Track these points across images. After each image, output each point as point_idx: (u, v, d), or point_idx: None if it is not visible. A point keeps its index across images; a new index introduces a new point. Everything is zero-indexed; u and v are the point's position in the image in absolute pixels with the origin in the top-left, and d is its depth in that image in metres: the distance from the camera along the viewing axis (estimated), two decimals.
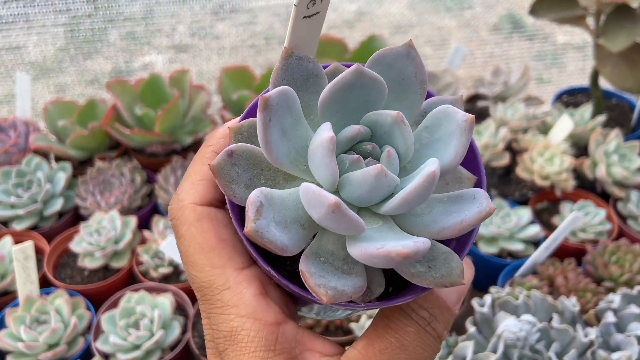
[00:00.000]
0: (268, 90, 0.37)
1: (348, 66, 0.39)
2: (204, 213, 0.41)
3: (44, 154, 1.37)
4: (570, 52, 1.98)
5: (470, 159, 0.43)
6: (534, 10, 1.29)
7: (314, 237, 0.38)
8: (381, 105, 0.38)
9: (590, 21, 1.32)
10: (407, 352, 0.38)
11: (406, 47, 0.38)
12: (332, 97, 0.37)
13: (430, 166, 0.33)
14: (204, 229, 0.40)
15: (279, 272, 0.38)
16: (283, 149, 0.37)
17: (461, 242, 0.41)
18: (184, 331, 1.05)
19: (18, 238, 1.21)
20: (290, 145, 0.37)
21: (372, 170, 0.34)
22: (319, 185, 0.37)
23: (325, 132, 0.35)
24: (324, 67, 0.42)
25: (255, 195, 0.35)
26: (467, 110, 1.53)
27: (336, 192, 0.37)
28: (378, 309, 0.40)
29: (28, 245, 1.02)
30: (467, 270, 0.42)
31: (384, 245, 0.33)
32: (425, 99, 0.42)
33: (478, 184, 0.43)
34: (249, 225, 0.34)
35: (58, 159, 1.39)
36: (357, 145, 0.38)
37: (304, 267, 0.35)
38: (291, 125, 0.37)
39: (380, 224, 0.37)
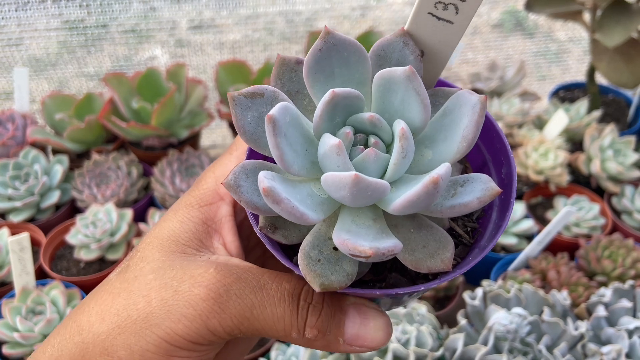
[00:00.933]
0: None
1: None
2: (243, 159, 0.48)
3: (41, 147, 1.37)
4: (573, 49, 1.98)
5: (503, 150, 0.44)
6: (529, 5, 1.29)
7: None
8: (420, 126, 0.38)
9: (587, 16, 1.32)
10: (260, 291, 0.41)
11: (476, 99, 0.38)
12: (380, 82, 0.38)
13: (363, 175, 0.34)
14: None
15: None
16: (323, 85, 0.40)
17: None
18: None
19: (15, 230, 1.21)
20: (334, 84, 0.40)
21: (331, 140, 0.37)
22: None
23: (338, 89, 0.37)
24: (451, 86, 0.44)
25: (265, 86, 0.39)
26: None
27: (315, 142, 0.40)
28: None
29: (24, 237, 1.03)
30: (382, 330, 0.41)
31: (274, 186, 0.35)
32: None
33: (507, 191, 0.43)
34: (234, 93, 0.39)
35: (55, 151, 1.39)
36: (371, 135, 0.39)
37: (246, 163, 0.39)
38: (346, 77, 0.40)
39: (324, 197, 0.39)
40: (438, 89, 0.42)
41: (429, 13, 0.38)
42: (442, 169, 0.34)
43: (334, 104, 0.37)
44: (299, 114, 0.38)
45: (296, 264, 0.38)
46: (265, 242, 0.40)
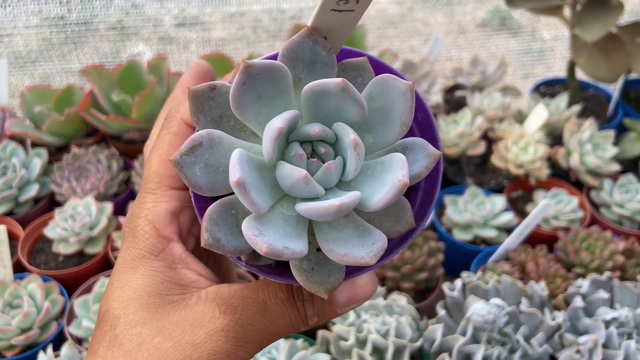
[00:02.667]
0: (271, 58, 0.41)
1: (374, 62, 0.43)
2: (183, 131, 0.47)
3: (20, 140, 1.35)
4: (557, 47, 1.99)
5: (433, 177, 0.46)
6: (510, 0, 1.30)
7: None
8: (358, 121, 0.40)
9: (567, 11, 1.33)
10: (265, 310, 0.43)
11: (405, 87, 0.40)
12: (312, 95, 0.39)
13: (343, 199, 0.36)
14: (174, 143, 0.47)
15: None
16: (254, 109, 0.40)
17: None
18: None
19: None
20: (264, 109, 0.40)
21: (296, 173, 0.38)
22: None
23: (279, 120, 0.38)
24: (353, 54, 0.44)
25: (199, 134, 0.39)
26: (446, 101, 1.54)
27: (272, 170, 0.40)
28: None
29: (1, 230, 1.02)
30: (368, 284, 0.45)
31: (261, 233, 0.37)
32: (377, 74, 0.43)
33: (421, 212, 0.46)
34: (176, 156, 0.38)
35: (34, 145, 1.38)
36: (317, 142, 0.41)
37: (210, 209, 0.40)
38: (271, 95, 0.40)
39: (295, 214, 0.40)
40: (346, 62, 0.44)
41: (331, 10, 0.40)
42: (404, 168, 0.37)
43: (281, 137, 0.38)
44: (248, 154, 0.39)
45: (291, 277, 0.41)
46: (256, 272, 0.43)
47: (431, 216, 1.25)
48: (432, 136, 0.45)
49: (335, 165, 0.39)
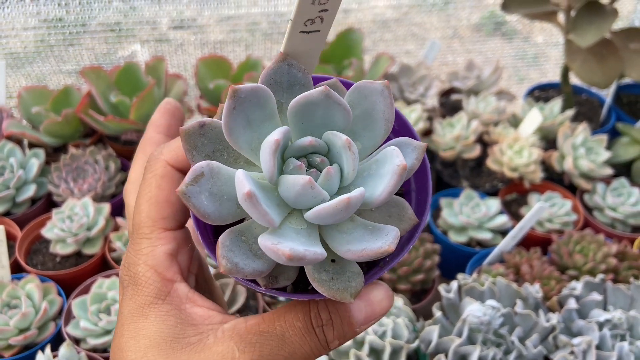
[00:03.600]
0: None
1: (346, 84, 0.45)
2: (169, 173, 0.47)
3: (17, 140, 1.36)
4: (551, 53, 2.01)
5: (423, 179, 0.48)
6: (505, 6, 1.31)
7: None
8: (345, 128, 0.42)
9: (561, 17, 1.35)
10: (284, 343, 0.43)
11: (381, 86, 0.42)
12: (298, 109, 0.41)
13: (352, 193, 0.37)
14: (161, 185, 0.46)
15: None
16: (245, 136, 0.41)
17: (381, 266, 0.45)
18: None
19: None
20: (254, 135, 0.41)
21: (300, 179, 0.38)
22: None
23: (275, 134, 0.39)
24: (324, 79, 0.46)
25: (199, 165, 0.40)
26: (441, 104, 1.55)
27: (275, 187, 0.41)
28: (293, 299, 0.45)
29: None
30: (385, 299, 0.44)
31: (280, 242, 0.37)
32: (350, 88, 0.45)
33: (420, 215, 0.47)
34: (182, 186, 0.39)
35: (32, 145, 1.38)
36: (310, 154, 0.42)
37: (222, 238, 0.40)
38: (260, 119, 0.41)
39: (305, 227, 0.41)
40: (321, 83, 0.45)
41: (301, 32, 0.42)
42: (399, 155, 0.39)
43: (279, 150, 0.39)
44: (251, 174, 0.40)
45: (311, 295, 0.42)
46: (277, 295, 0.44)
47: (427, 218, 1.26)
48: (410, 136, 0.47)
49: (334, 170, 0.41)
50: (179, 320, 0.43)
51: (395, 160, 0.39)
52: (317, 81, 0.47)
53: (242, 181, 0.37)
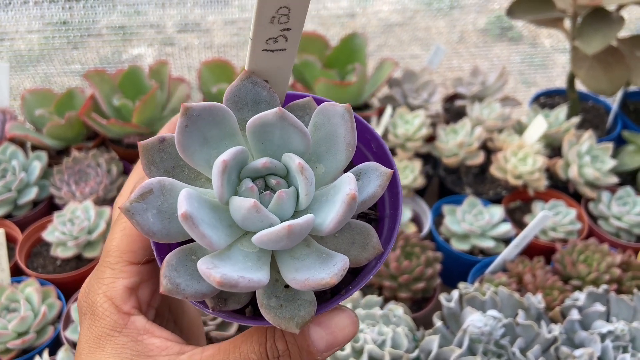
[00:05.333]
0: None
1: (319, 101, 0.44)
2: None
3: (20, 142, 1.36)
4: (558, 58, 2.00)
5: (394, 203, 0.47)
6: (511, 12, 1.30)
7: None
8: (305, 151, 0.41)
9: (567, 23, 1.34)
10: None
11: (342, 109, 0.41)
12: (255, 129, 0.40)
13: (295, 221, 0.36)
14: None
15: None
16: (202, 153, 0.40)
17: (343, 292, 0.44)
18: None
19: None
20: (213, 152, 0.40)
21: (246, 203, 0.38)
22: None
23: (224, 155, 0.38)
24: (299, 97, 0.45)
25: (149, 181, 0.39)
26: (445, 110, 1.54)
27: (227, 209, 0.40)
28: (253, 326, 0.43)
29: None
30: (348, 326, 0.43)
31: (215, 266, 0.36)
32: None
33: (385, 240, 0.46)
34: (126, 204, 0.38)
35: (34, 148, 1.38)
36: (268, 176, 0.42)
37: (168, 257, 0.39)
38: (218, 137, 0.41)
39: (256, 250, 0.40)
40: (293, 104, 0.45)
41: (263, 50, 0.41)
42: (352, 183, 0.38)
43: (228, 170, 0.38)
44: (199, 193, 0.39)
45: (261, 320, 0.40)
46: (223, 317, 0.42)
47: (429, 225, 1.25)
48: (386, 161, 0.46)
49: (287, 194, 0.40)
50: (134, 353, 0.44)
51: (346, 189, 0.38)
52: (291, 99, 0.46)
53: (181, 201, 0.36)
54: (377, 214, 0.49)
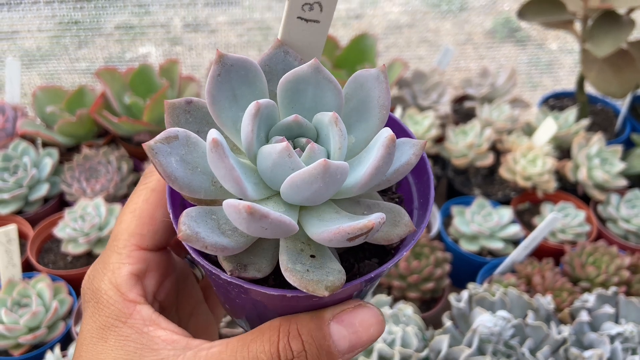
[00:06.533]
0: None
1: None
2: (160, 188, 0.45)
3: (31, 139, 1.37)
4: (565, 59, 2.00)
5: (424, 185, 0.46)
6: (522, 14, 1.31)
7: None
8: (338, 111, 0.39)
9: (578, 26, 1.34)
10: None
11: (377, 71, 0.40)
12: (288, 86, 0.38)
13: (332, 161, 0.33)
14: (149, 199, 0.45)
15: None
16: (230, 111, 0.39)
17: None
18: None
19: (2, 222, 1.21)
20: (241, 115, 0.38)
21: (278, 146, 0.35)
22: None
23: (251, 105, 0.36)
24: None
25: (174, 129, 0.37)
26: (454, 111, 1.54)
27: (255, 168, 0.38)
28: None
29: (11, 229, 1.03)
30: (374, 325, 0.40)
31: (240, 203, 0.33)
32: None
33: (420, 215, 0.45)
34: (150, 142, 0.36)
35: (45, 144, 1.39)
36: (297, 138, 0.40)
37: (189, 209, 0.37)
38: (247, 95, 0.39)
39: (283, 210, 0.37)
40: None
41: (298, 17, 0.40)
42: (389, 130, 0.35)
43: (259, 117, 0.36)
44: (233, 154, 0.37)
45: (282, 289, 0.37)
46: (240, 283, 0.38)
47: (438, 226, 1.25)
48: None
49: (318, 147, 0.37)
50: (138, 345, 0.41)
51: (384, 134, 0.35)
52: None
53: (212, 133, 0.33)
54: (404, 206, 0.48)
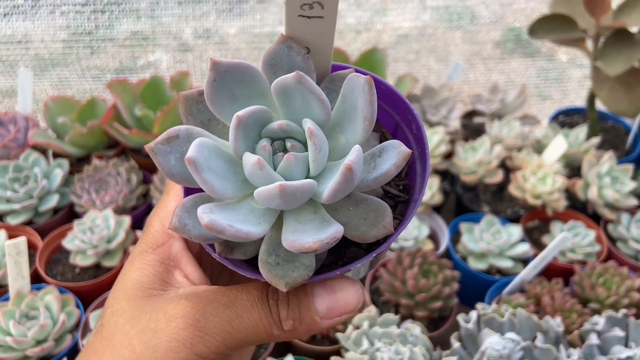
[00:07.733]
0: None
1: (364, 74, 0.42)
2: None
3: (42, 150, 1.37)
4: (574, 72, 2.00)
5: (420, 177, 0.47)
6: (533, 31, 1.30)
7: None
8: (326, 119, 0.41)
9: (589, 44, 1.33)
10: (233, 304, 0.43)
11: (363, 81, 0.40)
12: (278, 92, 0.41)
13: (289, 183, 0.37)
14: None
15: None
16: (231, 109, 0.42)
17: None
18: None
19: (12, 232, 1.21)
20: (241, 108, 0.41)
21: (251, 158, 0.39)
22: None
23: (240, 112, 0.39)
24: (342, 68, 0.46)
25: (177, 128, 0.41)
26: (463, 126, 1.54)
27: (240, 161, 0.42)
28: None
29: (21, 241, 1.03)
30: (351, 294, 0.44)
31: (211, 211, 0.38)
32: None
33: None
34: (151, 143, 0.40)
35: (56, 155, 1.40)
36: (288, 139, 0.43)
37: (185, 199, 0.42)
38: (247, 95, 0.42)
39: (264, 208, 0.41)
40: (334, 74, 0.46)
41: (299, 16, 0.42)
42: (353, 154, 0.38)
43: (243, 126, 0.40)
44: (216, 144, 0.40)
45: (259, 273, 0.41)
46: (227, 264, 0.43)
47: (446, 243, 1.25)
48: (422, 145, 0.47)
49: (295, 157, 0.40)
50: (154, 272, 0.47)
51: (346, 160, 0.38)
52: (336, 70, 0.47)
53: (191, 148, 0.38)
54: (408, 197, 0.49)
